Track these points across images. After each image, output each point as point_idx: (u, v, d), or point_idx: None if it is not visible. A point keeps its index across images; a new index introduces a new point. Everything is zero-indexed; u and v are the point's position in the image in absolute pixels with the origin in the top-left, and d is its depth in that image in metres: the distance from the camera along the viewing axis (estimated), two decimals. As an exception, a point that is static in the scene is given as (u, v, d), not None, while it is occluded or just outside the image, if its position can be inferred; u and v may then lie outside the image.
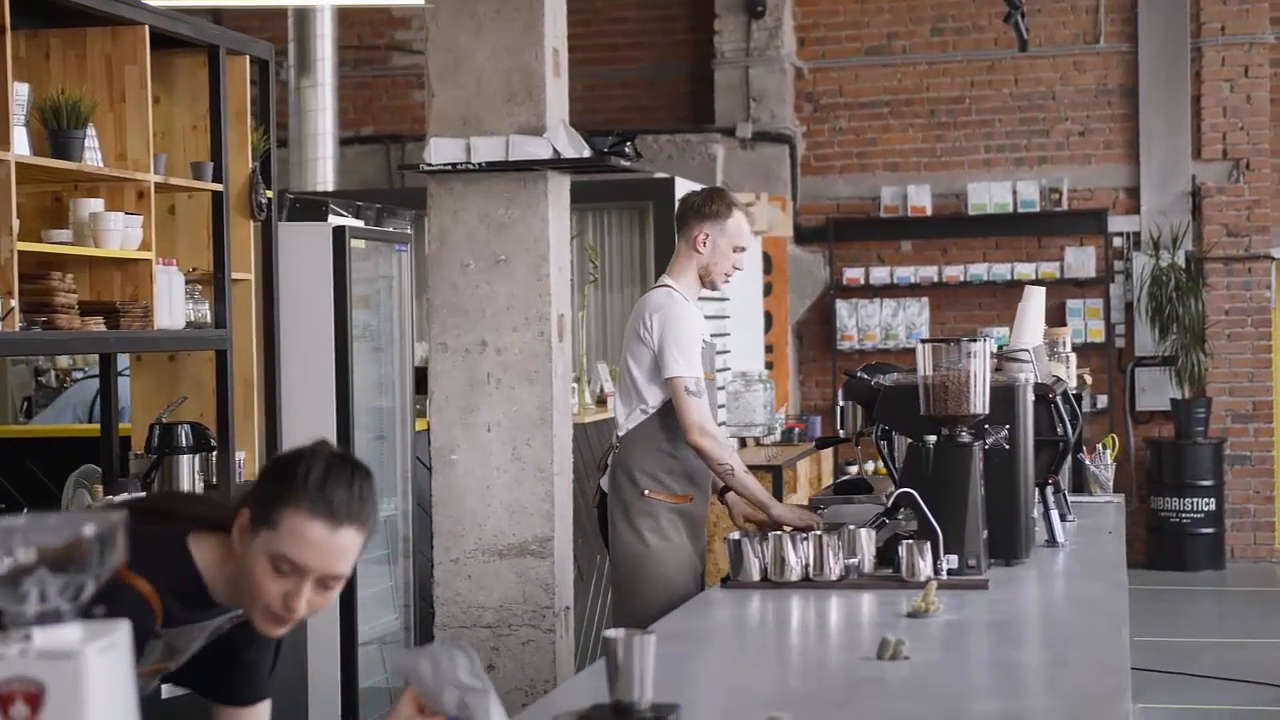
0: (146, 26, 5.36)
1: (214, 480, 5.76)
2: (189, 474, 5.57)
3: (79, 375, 9.00)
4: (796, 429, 11.23)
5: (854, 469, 12.40)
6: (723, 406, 10.21)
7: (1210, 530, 12.61)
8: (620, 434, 5.45)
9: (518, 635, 5.85)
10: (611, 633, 2.79)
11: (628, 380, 5.40)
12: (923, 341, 4.56)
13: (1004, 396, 4.64)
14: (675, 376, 5.22)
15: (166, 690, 4.63)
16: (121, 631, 1.82)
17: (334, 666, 6.45)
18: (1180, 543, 12.58)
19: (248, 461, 6.04)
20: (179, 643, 2.78)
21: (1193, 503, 12.56)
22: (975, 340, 4.53)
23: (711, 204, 5.44)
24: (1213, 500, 12.58)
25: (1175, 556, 12.57)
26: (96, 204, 5.18)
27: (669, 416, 5.29)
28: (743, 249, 5.47)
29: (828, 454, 11.55)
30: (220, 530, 2.73)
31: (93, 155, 5.10)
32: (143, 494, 5.04)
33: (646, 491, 5.32)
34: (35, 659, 1.75)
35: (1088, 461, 6.56)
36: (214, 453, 5.74)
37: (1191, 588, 12.12)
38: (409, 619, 7.06)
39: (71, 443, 6.46)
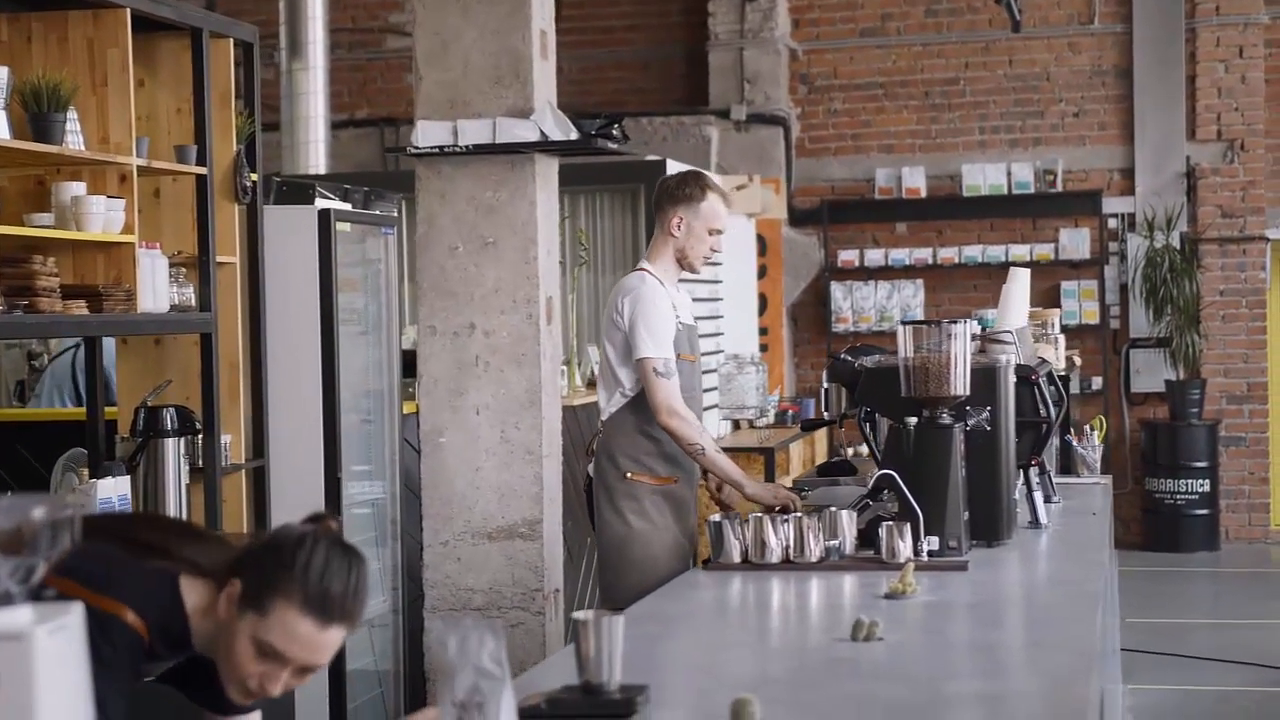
0: (128, 10, 5.34)
1: (199, 463, 5.76)
2: (174, 457, 5.57)
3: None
4: (790, 411, 11.23)
5: (849, 451, 12.42)
6: (714, 389, 10.22)
7: (1205, 512, 12.62)
8: (603, 418, 5.48)
9: (507, 618, 5.85)
10: (580, 614, 2.80)
11: (606, 365, 5.44)
12: (903, 323, 4.57)
13: (985, 378, 4.65)
14: (644, 358, 5.25)
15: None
16: (73, 614, 1.82)
17: (321, 649, 6.45)
18: (1175, 524, 12.59)
19: (233, 445, 6.04)
20: (152, 669, 2.80)
21: (1187, 484, 12.57)
22: (956, 322, 4.53)
23: (685, 187, 5.45)
24: (1207, 482, 12.59)
25: (1170, 538, 12.59)
26: (78, 187, 5.17)
27: (646, 399, 5.31)
28: (719, 231, 5.47)
29: (821, 436, 11.56)
30: (212, 580, 2.72)
31: (74, 138, 5.09)
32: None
33: (629, 474, 5.35)
34: (-16, 641, 1.75)
35: (1075, 443, 6.56)
36: (199, 436, 5.74)
37: (1186, 569, 12.13)
38: (397, 601, 7.06)
39: (62, 426, 6.46)
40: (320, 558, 2.64)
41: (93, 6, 5.33)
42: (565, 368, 8.30)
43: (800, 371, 13.49)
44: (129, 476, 5.37)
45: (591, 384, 8.39)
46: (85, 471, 5.59)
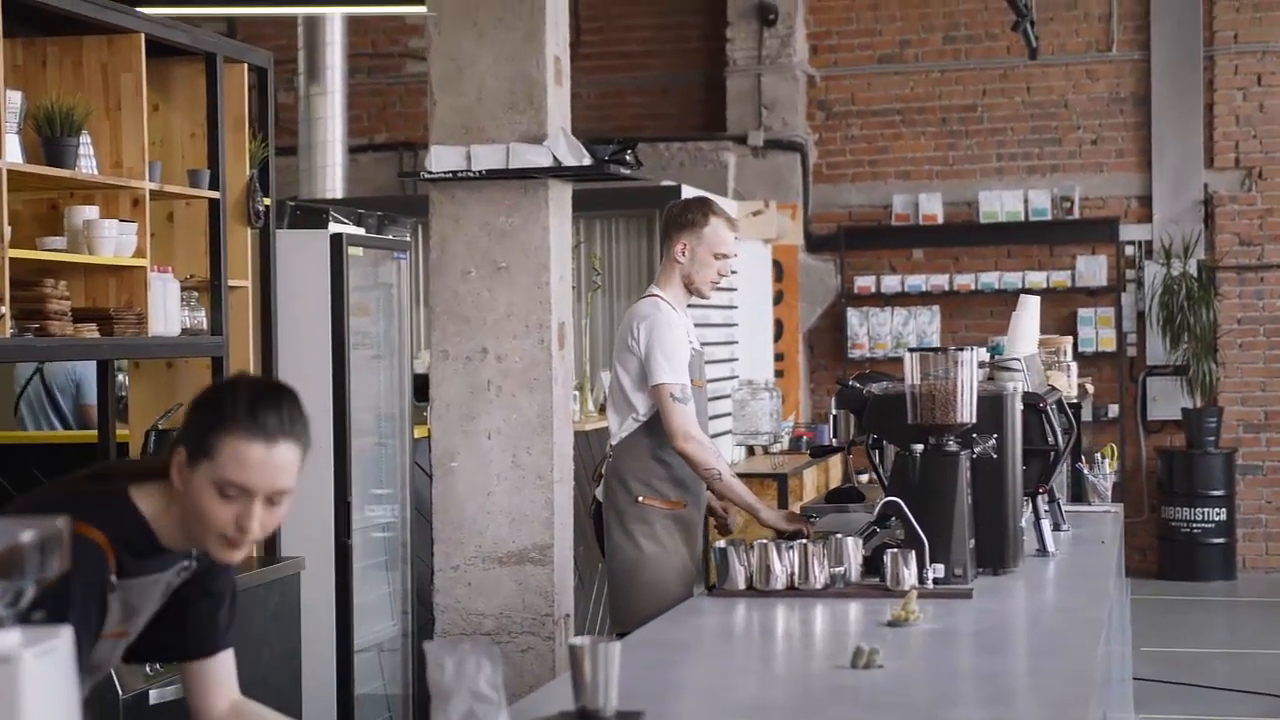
0: (142, 35, 5.38)
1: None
2: (185, 480, 5.57)
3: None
4: (805, 437, 11.22)
5: (864, 477, 12.39)
6: (728, 415, 10.23)
7: (1221, 540, 12.57)
8: (613, 443, 5.51)
9: (517, 643, 5.85)
10: (577, 640, 2.81)
11: (618, 390, 5.48)
12: (911, 351, 4.57)
13: (992, 406, 4.64)
14: (660, 383, 5.28)
15: (155, 695, 4.67)
16: (62, 637, 1.83)
17: (330, 673, 6.47)
18: (1191, 553, 12.54)
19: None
20: (135, 600, 2.83)
21: (1204, 512, 12.53)
22: (963, 349, 4.53)
23: (688, 213, 5.50)
24: (1224, 510, 12.55)
25: (1186, 566, 12.54)
26: (91, 211, 5.20)
27: (660, 424, 5.33)
28: (724, 256, 5.50)
29: (836, 462, 11.54)
30: (159, 479, 2.80)
31: (87, 162, 5.13)
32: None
33: (640, 498, 5.37)
34: (-28, 664, 1.76)
35: (1086, 471, 6.54)
36: (210, 459, 5.75)
37: (1202, 598, 12.08)
38: (407, 626, 7.07)
39: (74, 449, 6.49)
40: (245, 390, 2.75)
41: (107, 32, 5.37)
42: (578, 393, 8.31)
43: (816, 397, 13.48)
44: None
45: (604, 409, 8.40)
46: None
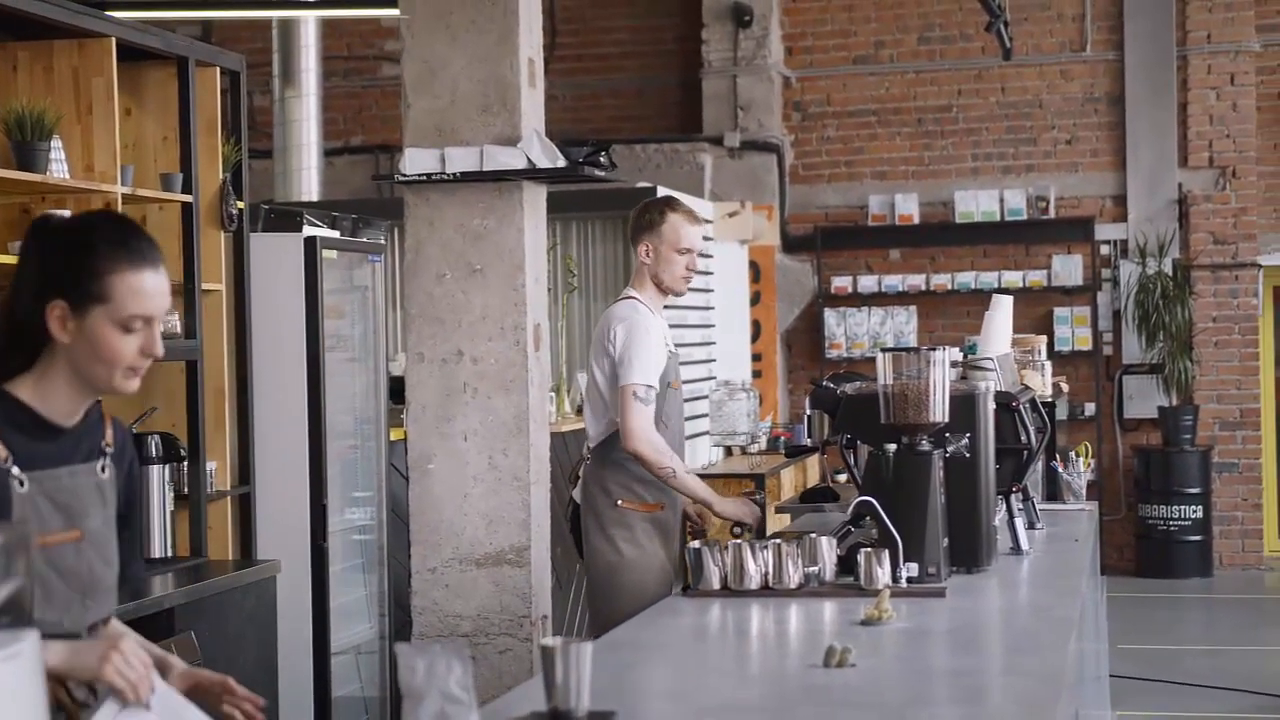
0: (114, 39, 5.38)
1: (185, 491, 5.77)
2: (159, 485, 5.57)
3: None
4: (783, 438, 11.23)
5: (843, 477, 12.41)
6: (705, 416, 10.23)
7: (1198, 538, 12.62)
8: (591, 445, 5.53)
9: (495, 644, 5.86)
10: (548, 641, 2.81)
11: (595, 392, 5.50)
12: (883, 350, 4.58)
13: (965, 405, 4.65)
14: (627, 384, 5.32)
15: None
16: (27, 641, 1.83)
17: (306, 675, 6.46)
18: (1168, 550, 12.58)
19: (219, 471, 6.05)
20: (65, 498, 2.80)
21: (1180, 510, 12.57)
22: (935, 349, 4.54)
23: (646, 214, 5.57)
24: (1200, 508, 12.59)
25: (1163, 564, 12.58)
26: (63, 215, 5.19)
27: None
28: (688, 250, 5.53)
29: (814, 462, 11.56)
30: (21, 369, 2.79)
31: (59, 167, 5.12)
32: None
33: (619, 502, 5.40)
34: (-63, 668, 1.76)
35: (1061, 470, 6.56)
36: (184, 463, 5.75)
37: (1179, 595, 12.12)
38: (384, 628, 7.07)
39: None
40: (108, 227, 2.79)
41: (78, 36, 5.36)
42: (554, 394, 8.31)
43: (794, 398, 13.49)
44: (113, 503, 5.37)
45: (580, 410, 8.40)
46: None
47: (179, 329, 5.76)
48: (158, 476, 5.57)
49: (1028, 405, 5.30)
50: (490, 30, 6.09)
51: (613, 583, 5.36)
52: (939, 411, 4.49)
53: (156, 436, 5.61)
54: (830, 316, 13.28)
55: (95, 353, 2.76)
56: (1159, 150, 12.97)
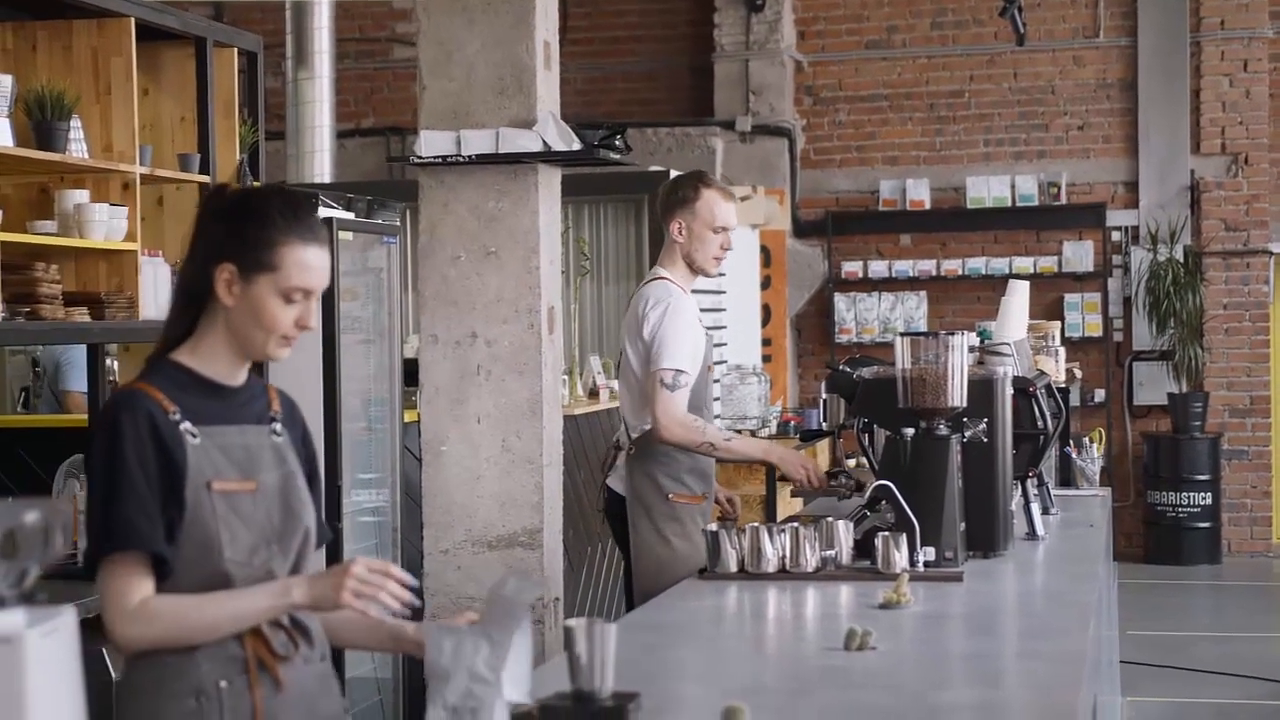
0: (132, 19, 5.38)
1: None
2: (175, 465, 5.57)
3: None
4: (794, 422, 11.23)
5: (851, 462, 12.41)
6: (717, 400, 10.23)
7: (1207, 524, 12.62)
8: (634, 435, 5.36)
9: (506, 626, 5.85)
10: (572, 622, 2.81)
11: (632, 379, 5.34)
12: (901, 335, 4.58)
13: (982, 390, 4.65)
14: (655, 369, 5.20)
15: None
16: (65, 616, 1.84)
17: (321, 656, 6.47)
18: (1177, 537, 12.59)
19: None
20: (237, 453, 2.91)
21: (1190, 497, 12.57)
22: (953, 334, 4.53)
23: (678, 190, 5.39)
24: (1209, 494, 12.59)
25: (1172, 551, 12.59)
26: (81, 195, 5.20)
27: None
28: (723, 229, 5.38)
29: (825, 446, 11.56)
30: (182, 337, 2.94)
31: (78, 146, 5.12)
32: None
33: (670, 495, 5.27)
34: (-24, 644, 1.77)
35: (1074, 456, 6.56)
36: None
37: (1188, 582, 12.13)
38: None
39: (64, 432, 6.47)
40: (282, 200, 2.90)
41: (97, 15, 5.36)
42: (566, 378, 8.32)
43: (804, 382, 13.50)
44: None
45: (594, 394, 8.41)
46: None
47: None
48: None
49: (1044, 391, 5.30)
50: (506, 13, 6.09)
51: (662, 576, 5.20)
52: (957, 396, 4.50)
53: (173, 417, 5.61)
54: (840, 301, 13.28)
55: (256, 319, 2.87)
56: (1171, 137, 12.96)
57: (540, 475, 6.04)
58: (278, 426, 3.02)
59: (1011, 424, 4.86)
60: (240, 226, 2.88)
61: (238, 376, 2.97)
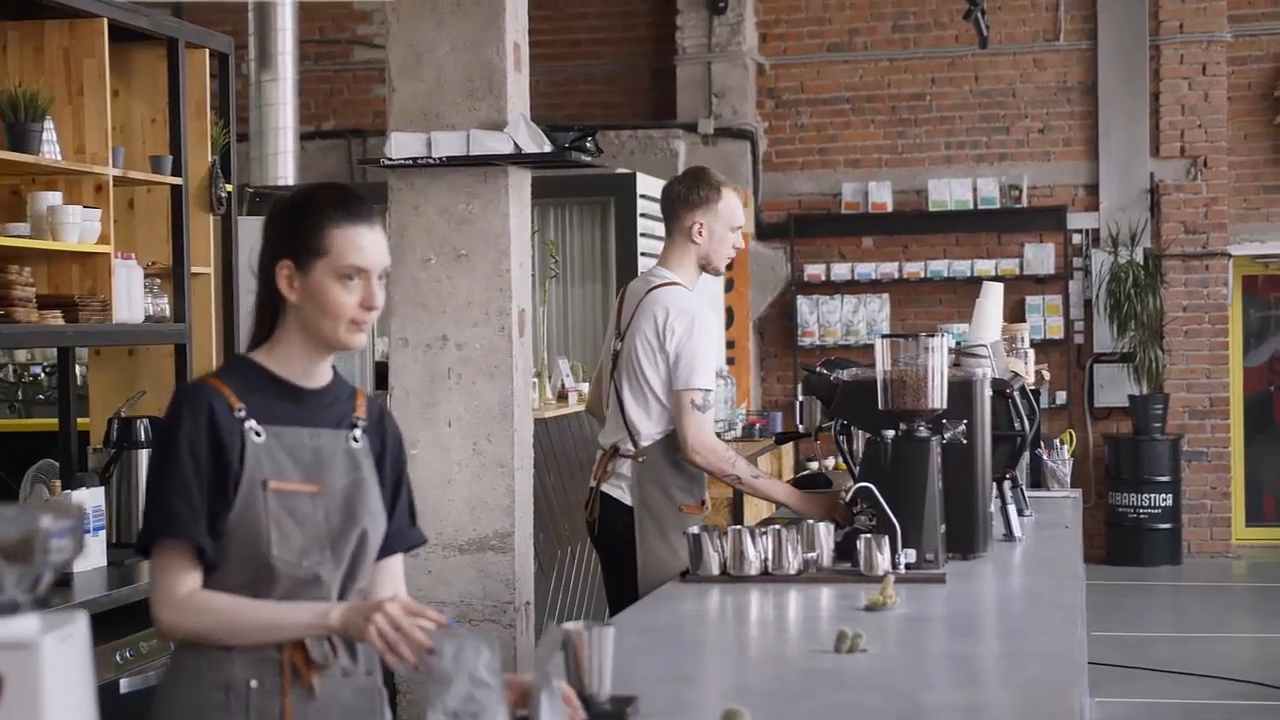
0: (105, 19, 5.33)
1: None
2: (147, 469, 5.53)
3: (37, 370, 8.96)
4: (758, 425, 11.25)
5: (814, 464, 12.45)
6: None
7: (1167, 525, 12.70)
8: (644, 443, 5.14)
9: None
10: (571, 625, 2.80)
11: (645, 389, 5.12)
12: (882, 336, 4.58)
13: (962, 391, 4.66)
14: (684, 389, 5.00)
15: (125, 684, 4.64)
16: (79, 623, 1.82)
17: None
18: (1138, 538, 12.66)
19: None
20: (305, 455, 2.94)
21: (1150, 498, 12.65)
22: (934, 336, 4.54)
23: (700, 190, 5.18)
24: (1170, 496, 12.67)
25: (1133, 552, 12.66)
26: (55, 197, 5.15)
27: None
28: (739, 227, 5.24)
29: (788, 449, 11.59)
30: (261, 341, 2.99)
31: (51, 148, 5.08)
32: None
33: (682, 507, 5.13)
34: (-9, 650, 1.75)
35: (1045, 457, 6.59)
36: (173, 447, 5.70)
37: (1149, 583, 12.19)
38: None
39: (32, 437, 6.43)
40: (325, 192, 2.99)
41: (69, 16, 5.31)
42: (536, 380, 8.30)
43: (766, 385, 13.52)
44: (103, 488, 5.34)
45: (563, 397, 8.39)
46: (57, 483, 5.55)
47: (168, 312, 5.73)
48: (146, 461, 5.53)
49: (1019, 392, 5.32)
50: (476, 14, 6.08)
51: None
52: (938, 398, 4.50)
53: (145, 420, 5.56)
54: (803, 304, 13.30)
55: (320, 307, 2.91)
56: (1131, 140, 13.03)
57: (511, 479, 6.03)
58: (357, 433, 3.03)
59: (990, 426, 4.87)
60: (290, 223, 2.96)
61: (316, 378, 3.00)
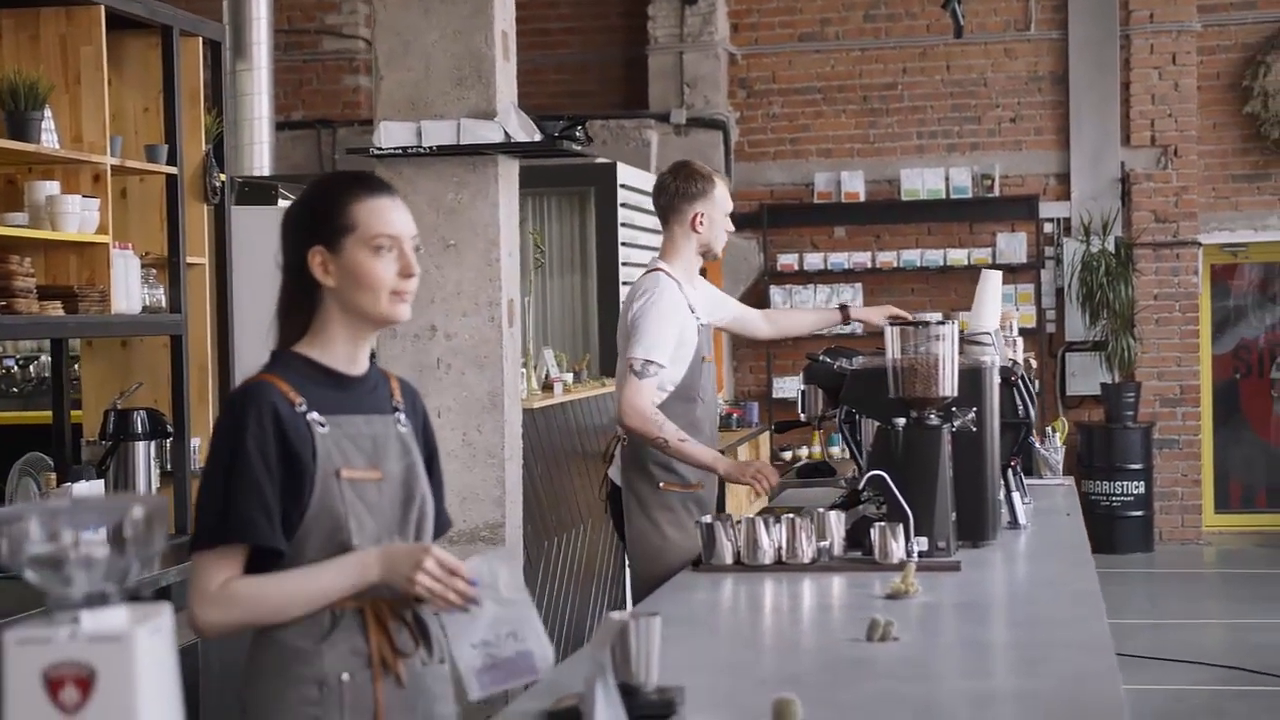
0: (102, 7, 5.28)
1: (169, 467, 5.69)
2: (144, 461, 5.49)
3: (10, 362, 8.86)
4: (735, 415, 11.25)
5: (804, 452, 12.46)
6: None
7: (1139, 513, 12.77)
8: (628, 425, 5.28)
9: (468, 620, 5.81)
10: (618, 615, 2.78)
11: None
12: (891, 324, 4.57)
13: (971, 379, 4.66)
14: (627, 356, 5.20)
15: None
16: (165, 615, 1.80)
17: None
18: (1110, 525, 12.71)
19: (203, 448, 5.97)
20: (363, 443, 2.93)
21: (1122, 486, 12.70)
22: (944, 323, 4.54)
23: (696, 182, 5.43)
24: (1142, 483, 12.73)
25: (1105, 539, 12.68)
26: (53, 186, 5.10)
27: (677, 405, 5.24)
28: (730, 211, 5.55)
29: (765, 439, 11.59)
30: (300, 334, 2.97)
31: (49, 137, 5.02)
32: None
33: (661, 484, 5.28)
34: (85, 642, 1.73)
35: (1038, 445, 6.61)
36: (170, 439, 5.67)
37: (1122, 570, 12.24)
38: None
39: (22, 430, 6.36)
40: (339, 176, 3.03)
41: (65, 4, 5.25)
42: (523, 370, 8.27)
43: (739, 375, 13.52)
44: (102, 481, 5.30)
45: (549, 387, 8.37)
46: (51, 476, 5.50)
47: (164, 303, 5.68)
48: (143, 453, 5.49)
49: (1020, 380, 5.33)
50: (464, 2, 6.06)
51: (657, 565, 5.18)
52: (948, 386, 4.50)
53: (142, 412, 5.52)
54: (776, 294, 13.30)
55: (358, 282, 2.91)
56: (1102, 129, 13.08)
57: (502, 469, 6.02)
58: (402, 417, 3.03)
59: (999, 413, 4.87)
60: (313, 210, 2.97)
61: (358, 365, 2.99)
